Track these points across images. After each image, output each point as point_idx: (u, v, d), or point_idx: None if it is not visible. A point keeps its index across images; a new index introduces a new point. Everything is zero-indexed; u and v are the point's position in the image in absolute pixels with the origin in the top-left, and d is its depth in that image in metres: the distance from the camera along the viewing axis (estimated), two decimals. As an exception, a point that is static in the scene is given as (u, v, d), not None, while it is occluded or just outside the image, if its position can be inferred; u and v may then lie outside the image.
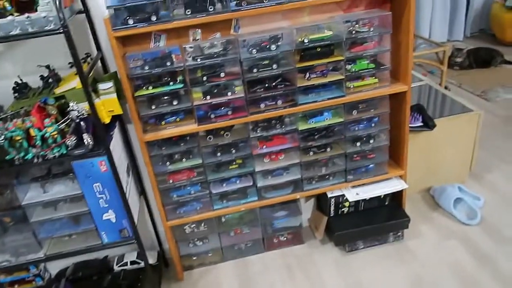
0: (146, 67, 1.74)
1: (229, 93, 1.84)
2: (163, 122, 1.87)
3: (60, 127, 1.53)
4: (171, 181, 1.98)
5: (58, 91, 1.60)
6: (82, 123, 1.52)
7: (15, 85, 1.68)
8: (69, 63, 1.70)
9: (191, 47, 1.78)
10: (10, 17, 1.33)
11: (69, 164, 1.57)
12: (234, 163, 2.03)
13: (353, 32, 1.85)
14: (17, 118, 1.57)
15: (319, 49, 1.85)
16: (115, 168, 1.59)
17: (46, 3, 1.32)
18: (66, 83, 1.60)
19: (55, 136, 1.52)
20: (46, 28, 1.33)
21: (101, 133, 1.53)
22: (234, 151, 2.00)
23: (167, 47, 1.82)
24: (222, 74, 1.81)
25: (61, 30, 1.31)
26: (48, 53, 1.70)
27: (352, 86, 1.95)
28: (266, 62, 1.83)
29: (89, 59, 1.71)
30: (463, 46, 4.44)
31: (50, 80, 1.64)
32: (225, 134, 1.96)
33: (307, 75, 1.91)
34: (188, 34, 1.85)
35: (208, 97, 1.84)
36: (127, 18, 1.62)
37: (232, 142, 1.97)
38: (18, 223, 1.68)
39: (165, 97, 1.83)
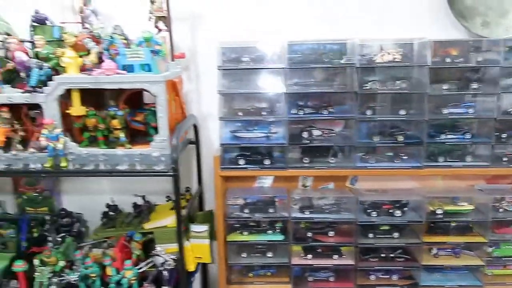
0: (246, 210, 1.53)
1: (336, 256, 1.53)
2: (251, 274, 1.59)
3: (140, 271, 1.32)
4: None
5: (148, 226, 1.42)
6: (165, 273, 1.30)
7: (106, 207, 1.54)
8: (167, 197, 1.57)
9: (298, 196, 1.56)
10: (120, 150, 1.22)
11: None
12: None
13: (500, 210, 1.50)
14: (98, 248, 1.41)
15: (455, 224, 1.51)
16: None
17: (162, 140, 1.20)
18: (158, 218, 1.43)
19: (132, 282, 1.30)
20: (155, 167, 1.19)
21: (183, 290, 1.28)
22: (329, 325, 1.62)
23: (272, 189, 1.61)
24: (331, 233, 1.53)
25: (171, 173, 1.16)
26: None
27: (491, 274, 1.54)
28: (386, 228, 1.52)
29: (188, 194, 1.54)
30: None
31: (142, 212, 1.48)
32: (321, 302, 1.61)
33: (435, 250, 1.55)
34: (298, 178, 1.64)
35: (310, 256, 1.54)
36: (238, 157, 1.46)
37: (329, 314, 1.60)
38: None
39: (259, 246, 1.57)
